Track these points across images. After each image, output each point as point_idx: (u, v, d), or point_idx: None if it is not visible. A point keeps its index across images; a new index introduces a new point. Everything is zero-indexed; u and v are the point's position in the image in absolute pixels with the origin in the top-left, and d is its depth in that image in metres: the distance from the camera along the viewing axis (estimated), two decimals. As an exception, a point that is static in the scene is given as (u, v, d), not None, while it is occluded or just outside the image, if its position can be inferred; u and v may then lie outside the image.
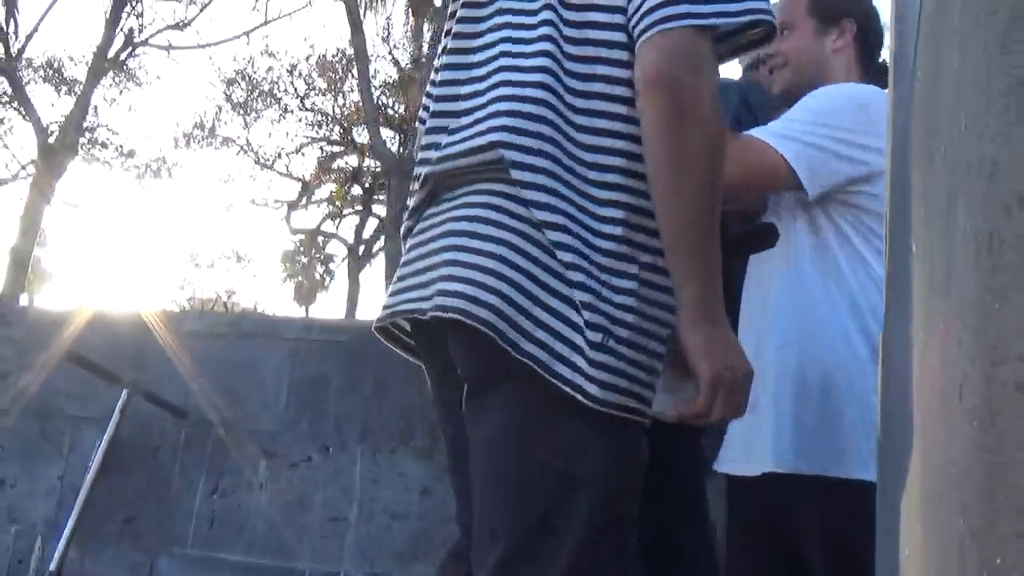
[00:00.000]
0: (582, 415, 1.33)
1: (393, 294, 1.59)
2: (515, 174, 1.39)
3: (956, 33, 0.71)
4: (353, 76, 18.48)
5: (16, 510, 4.34)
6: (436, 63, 1.74)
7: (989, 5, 0.60)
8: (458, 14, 1.66)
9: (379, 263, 19.69)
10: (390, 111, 18.90)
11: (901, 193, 1.11)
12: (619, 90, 1.44)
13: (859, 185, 1.97)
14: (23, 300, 16.98)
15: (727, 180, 1.43)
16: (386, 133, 17.32)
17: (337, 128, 21.16)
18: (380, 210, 19.94)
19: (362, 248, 22.22)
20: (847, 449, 1.90)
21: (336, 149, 21.65)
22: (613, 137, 1.43)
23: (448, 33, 1.69)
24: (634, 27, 1.42)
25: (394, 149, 17.14)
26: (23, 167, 20.77)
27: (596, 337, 1.33)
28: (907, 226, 1.01)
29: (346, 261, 23.15)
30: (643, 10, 1.40)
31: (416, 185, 1.61)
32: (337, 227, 23.63)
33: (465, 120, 1.52)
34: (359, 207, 22.03)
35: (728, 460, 2.11)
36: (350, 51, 17.34)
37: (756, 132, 1.98)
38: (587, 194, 1.40)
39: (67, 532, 3.84)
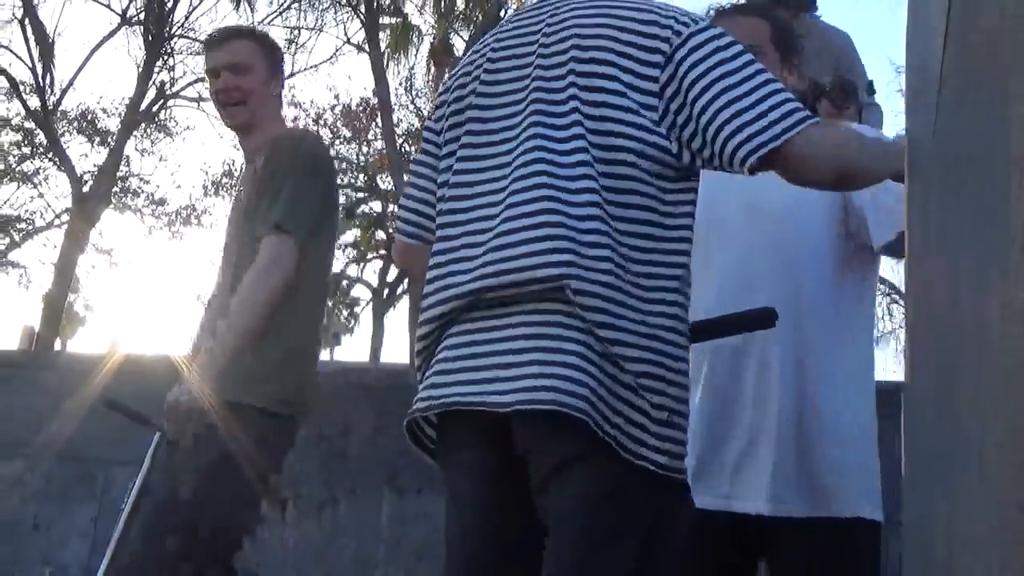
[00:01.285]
0: (651, 482, 1.52)
1: (443, 386, 1.62)
2: (578, 299, 1.52)
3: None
4: (377, 125, 18.69)
5: (50, 552, 4.36)
6: (442, 150, 1.81)
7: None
8: (469, 111, 1.76)
9: (403, 306, 19.75)
10: (412, 158, 19.08)
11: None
12: (654, 203, 1.61)
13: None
14: (57, 344, 17.10)
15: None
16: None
17: (361, 175, 21.35)
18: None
19: (386, 292, 22.30)
20: (830, 488, 1.93)
21: (360, 195, 21.82)
22: (658, 253, 1.60)
23: (457, 125, 1.78)
24: (732, 156, 1.58)
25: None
26: (58, 215, 21.03)
27: (662, 415, 1.52)
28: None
29: (370, 304, 23.23)
30: (739, 141, 1.57)
31: (448, 293, 1.66)
32: (361, 271, 23.75)
33: (507, 238, 1.60)
34: (383, 251, 22.14)
35: (712, 495, 2.01)
36: (374, 101, 17.54)
37: None
38: (639, 308, 1.55)
39: (100, 574, 3.84)
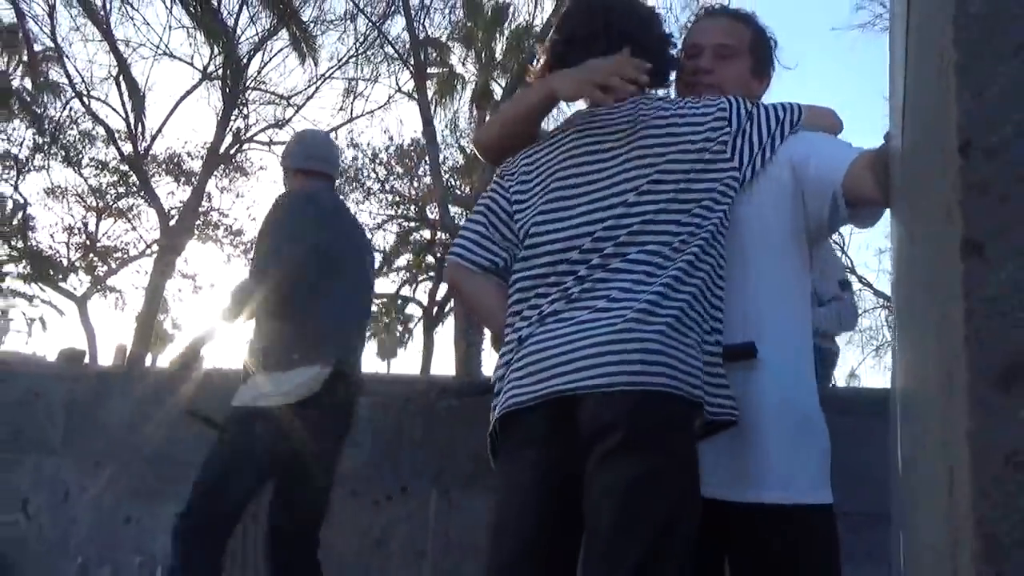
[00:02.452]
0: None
1: (540, 374, 1.64)
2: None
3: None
4: (425, 162, 18.76)
5: (141, 543, 4.39)
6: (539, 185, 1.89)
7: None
8: (578, 154, 1.85)
9: (450, 322, 19.76)
10: (457, 191, 19.13)
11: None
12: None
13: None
14: (147, 360, 17.30)
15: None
16: (454, 210, 17.53)
17: (413, 206, 21.44)
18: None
19: (435, 309, 22.33)
20: (812, 476, 1.76)
21: (412, 224, 21.91)
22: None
23: (558, 165, 1.87)
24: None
25: (460, 223, 17.31)
26: (148, 246, 21.31)
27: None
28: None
29: (421, 321, 23.28)
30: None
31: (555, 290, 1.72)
32: (414, 291, 23.84)
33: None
34: (432, 274, 22.21)
35: (714, 485, 1.75)
36: (423, 141, 17.62)
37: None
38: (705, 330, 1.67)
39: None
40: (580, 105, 1.99)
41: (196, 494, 2.96)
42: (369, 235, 21.39)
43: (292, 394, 2.91)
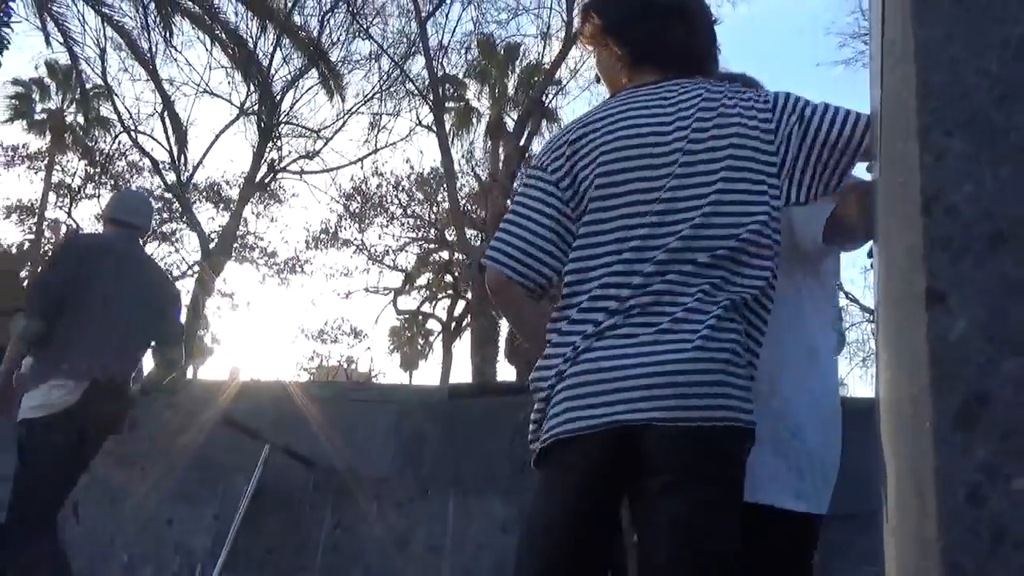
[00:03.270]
0: None
1: (609, 403, 1.44)
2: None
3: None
4: (444, 189, 18.79)
5: (181, 543, 4.39)
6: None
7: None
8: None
9: (467, 337, 19.77)
10: (473, 215, 19.16)
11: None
12: None
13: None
14: (189, 372, 17.33)
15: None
16: (470, 232, 17.53)
17: (432, 230, 21.47)
18: (468, 293, 20.09)
19: (454, 325, 22.33)
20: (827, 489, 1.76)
21: (432, 246, 21.94)
22: None
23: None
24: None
25: (476, 245, 17.30)
26: (190, 267, 21.38)
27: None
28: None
29: (441, 335, 23.28)
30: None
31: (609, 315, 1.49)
32: (434, 308, 23.83)
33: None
34: (451, 292, 22.22)
35: (776, 492, 1.72)
36: (441, 170, 17.66)
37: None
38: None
39: (221, 561, 3.87)
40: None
41: (13, 498, 3.17)
42: (392, 256, 21.26)
43: (51, 406, 3.15)
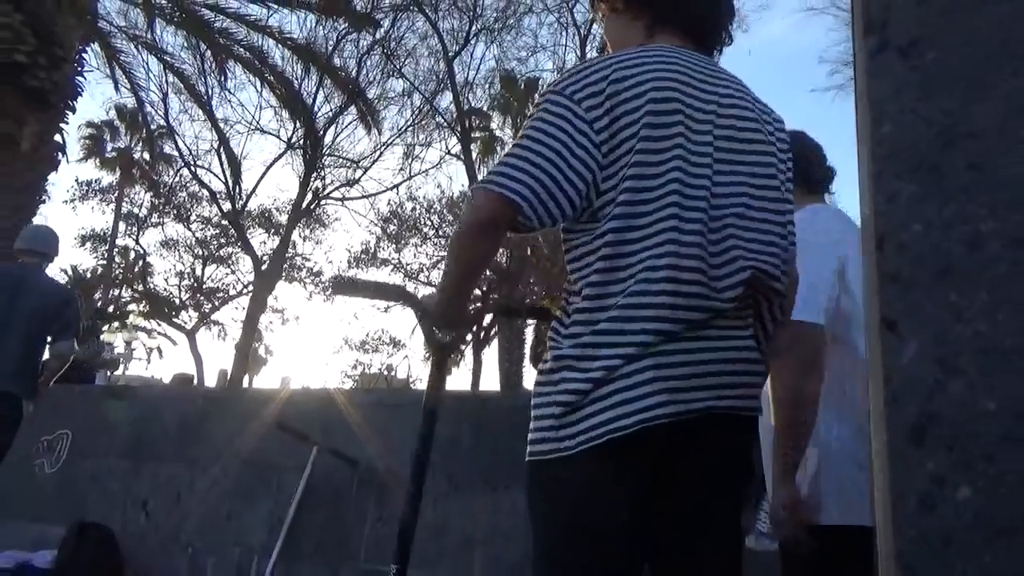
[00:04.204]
0: None
1: (700, 388, 1.22)
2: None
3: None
4: (472, 211, 18.81)
5: (239, 535, 4.41)
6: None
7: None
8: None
9: (495, 345, 19.75)
10: (499, 234, 19.19)
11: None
12: None
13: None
14: (245, 381, 17.47)
15: None
16: (497, 250, 17.61)
17: (461, 248, 21.48)
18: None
19: (483, 334, 22.36)
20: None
21: (460, 263, 21.94)
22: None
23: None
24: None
25: (500, 260, 17.33)
26: (245, 286, 21.61)
27: None
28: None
29: (471, 344, 23.31)
30: None
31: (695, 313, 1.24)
32: (465, 319, 23.82)
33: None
34: (479, 303, 22.27)
35: (855, 512, 1.66)
36: (469, 194, 17.72)
37: None
38: None
39: (276, 552, 3.89)
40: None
41: None
42: (426, 273, 21.22)
43: None
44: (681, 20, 1.43)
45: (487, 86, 18.37)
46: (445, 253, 22.06)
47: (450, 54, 16.24)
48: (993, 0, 0.47)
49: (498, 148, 19.48)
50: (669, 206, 1.23)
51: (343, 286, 1.91)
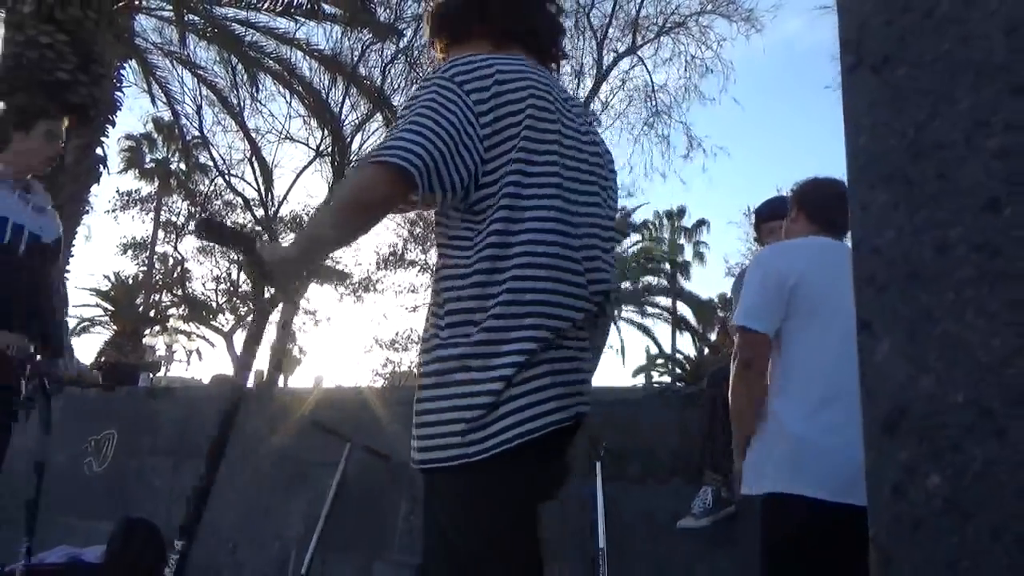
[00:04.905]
0: None
1: (576, 395, 1.28)
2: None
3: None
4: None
5: (278, 529, 4.46)
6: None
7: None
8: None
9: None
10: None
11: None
12: None
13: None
14: (280, 381, 17.63)
15: None
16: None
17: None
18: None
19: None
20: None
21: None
22: None
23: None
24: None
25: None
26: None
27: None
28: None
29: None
30: None
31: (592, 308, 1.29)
32: (489, 317, 23.84)
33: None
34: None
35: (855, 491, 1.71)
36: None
37: None
38: None
39: (312, 544, 3.93)
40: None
41: None
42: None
43: None
44: (526, 35, 1.43)
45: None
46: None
47: (471, 61, 16.20)
48: (958, 20, 0.49)
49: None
50: (552, 208, 1.24)
51: (212, 229, 1.95)
